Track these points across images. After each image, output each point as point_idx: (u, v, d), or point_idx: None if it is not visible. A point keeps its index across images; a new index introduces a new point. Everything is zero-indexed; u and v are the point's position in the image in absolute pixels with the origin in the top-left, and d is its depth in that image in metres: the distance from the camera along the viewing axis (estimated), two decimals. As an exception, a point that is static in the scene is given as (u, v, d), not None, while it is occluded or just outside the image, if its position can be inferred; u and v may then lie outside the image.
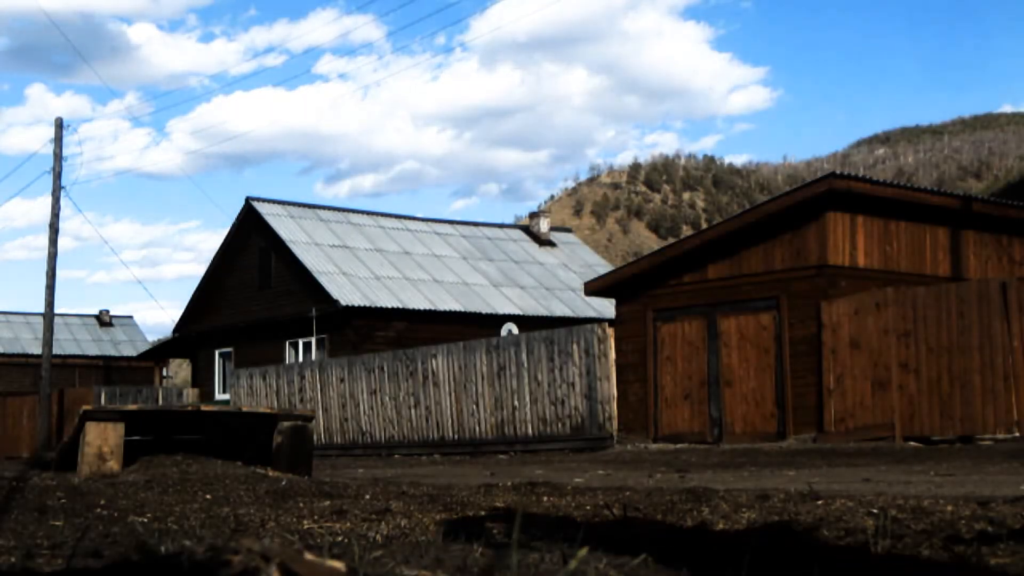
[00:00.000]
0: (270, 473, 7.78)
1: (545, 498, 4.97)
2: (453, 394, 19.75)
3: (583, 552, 2.02)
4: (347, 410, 21.89)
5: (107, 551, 2.78)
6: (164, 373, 51.59)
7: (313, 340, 29.12)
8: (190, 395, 33.42)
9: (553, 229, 39.17)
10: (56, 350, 38.24)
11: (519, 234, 38.05)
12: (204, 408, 9.31)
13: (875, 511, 3.59)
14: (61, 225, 30.39)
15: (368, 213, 34.70)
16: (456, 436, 19.62)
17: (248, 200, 31.71)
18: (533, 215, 39.92)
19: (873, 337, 15.60)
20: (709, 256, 17.95)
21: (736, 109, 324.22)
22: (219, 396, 31.87)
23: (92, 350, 51.63)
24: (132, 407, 8.65)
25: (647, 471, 10.50)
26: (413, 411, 20.51)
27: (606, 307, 28.94)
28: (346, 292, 28.72)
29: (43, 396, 30.60)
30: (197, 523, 4.12)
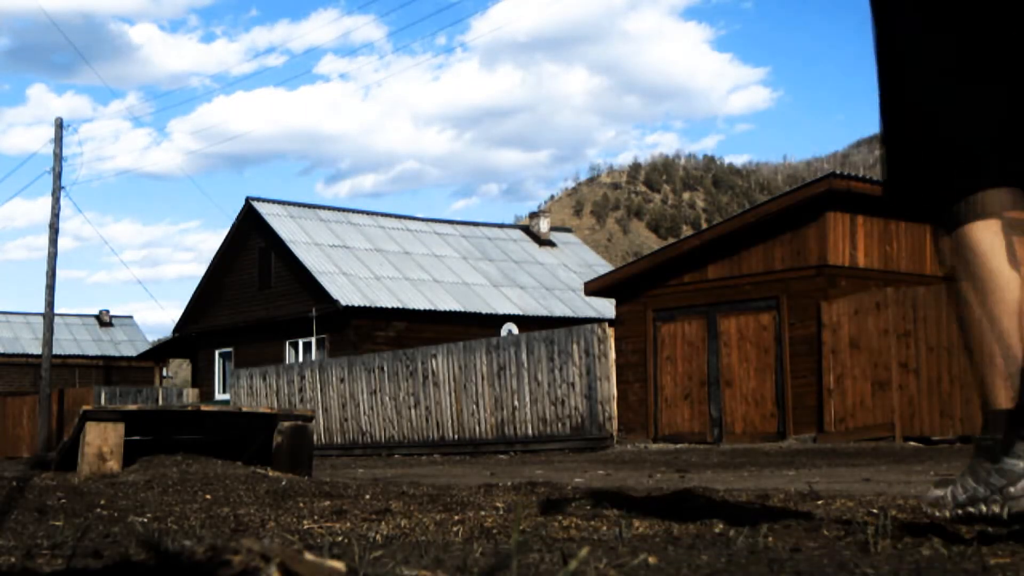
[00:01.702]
0: (270, 473, 7.78)
1: (545, 498, 4.97)
2: (453, 394, 19.75)
3: (584, 552, 2.02)
4: (347, 410, 21.89)
5: (107, 551, 2.78)
6: (164, 373, 51.60)
7: (313, 340, 29.13)
8: (190, 395, 33.43)
9: (553, 229, 39.19)
10: (56, 350, 38.26)
11: (519, 234, 38.06)
12: (204, 408, 9.30)
13: (875, 511, 3.59)
14: (61, 225, 30.41)
15: (368, 213, 34.71)
16: (456, 436, 19.62)
17: (248, 200, 31.72)
18: (533, 215, 39.93)
19: (873, 337, 15.61)
20: (709, 256, 17.96)
21: (736, 109, 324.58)
22: (219, 396, 31.89)
23: (92, 350, 51.65)
24: (132, 407, 8.64)
25: (647, 471, 10.50)
26: (413, 411, 20.51)
27: (606, 307, 28.96)
28: (346, 292, 28.73)
29: (43, 396, 30.61)
30: (197, 523, 4.12)
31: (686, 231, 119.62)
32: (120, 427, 8.10)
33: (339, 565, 1.45)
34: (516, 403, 18.61)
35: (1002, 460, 2.13)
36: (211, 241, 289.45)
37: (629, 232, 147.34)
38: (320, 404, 22.32)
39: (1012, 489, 2.08)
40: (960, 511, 2.12)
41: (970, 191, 1.95)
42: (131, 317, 56.83)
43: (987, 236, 1.96)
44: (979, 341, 2.00)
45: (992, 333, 1.97)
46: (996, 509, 2.05)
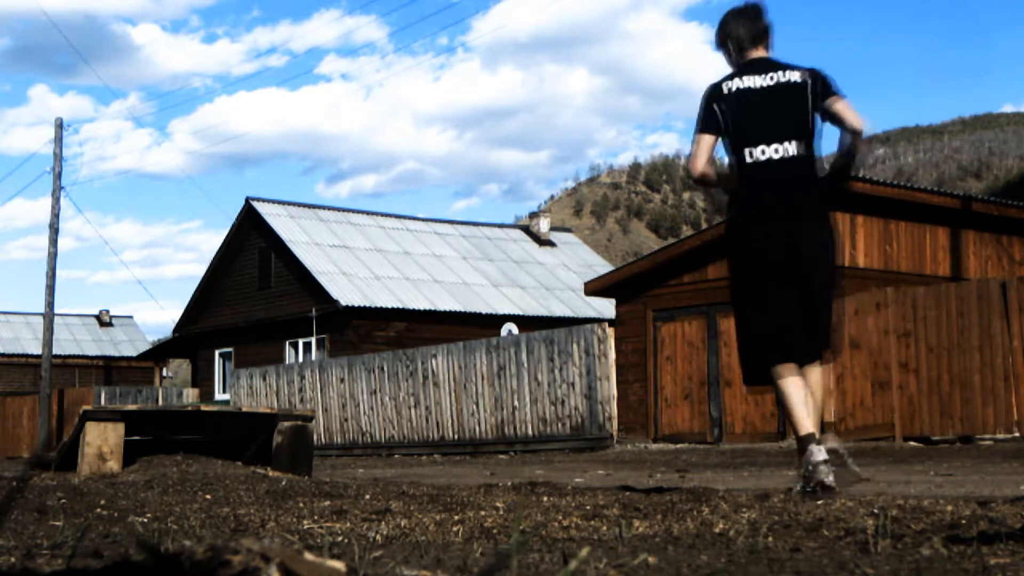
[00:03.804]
0: (270, 473, 7.78)
1: (545, 498, 4.97)
2: (453, 394, 19.75)
3: (584, 552, 2.02)
4: (347, 410, 21.89)
5: (107, 551, 2.78)
6: (164, 373, 51.58)
7: (313, 340, 29.13)
8: (190, 395, 33.43)
9: (553, 229, 39.17)
10: (56, 350, 38.25)
11: (519, 234, 38.05)
12: (204, 408, 9.31)
13: (875, 511, 3.59)
14: (62, 225, 30.43)
15: (368, 213, 34.70)
16: (456, 436, 19.62)
17: (248, 200, 31.71)
18: (533, 215, 39.91)
19: (873, 337, 15.61)
20: (709, 256, 17.95)
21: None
22: (219, 396, 31.88)
23: (92, 350, 51.63)
24: (132, 407, 8.64)
25: (647, 471, 10.50)
26: (413, 411, 20.51)
27: (606, 307, 28.95)
28: (346, 292, 28.73)
29: (43, 396, 30.60)
30: (197, 523, 4.12)
31: (686, 231, 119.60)
32: (120, 427, 8.10)
33: (339, 565, 1.45)
34: (516, 403, 18.61)
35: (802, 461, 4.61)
36: (212, 241, 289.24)
37: (629, 232, 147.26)
38: (320, 404, 22.32)
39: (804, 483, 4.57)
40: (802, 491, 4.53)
41: (778, 363, 4.77)
42: (131, 317, 56.81)
43: (787, 373, 4.78)
44: (789, 411, 4.80)
45: (793, 406, 4.79)
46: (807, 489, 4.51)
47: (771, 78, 4.78)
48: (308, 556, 1.41)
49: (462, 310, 30.25)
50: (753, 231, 4.76)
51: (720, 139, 4.84)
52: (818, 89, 4.71)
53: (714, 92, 4.85)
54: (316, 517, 4.24)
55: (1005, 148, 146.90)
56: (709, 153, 4.80)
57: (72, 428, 8.38)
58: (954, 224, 18.18)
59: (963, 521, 3.34)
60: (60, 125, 30.72)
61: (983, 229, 18.63)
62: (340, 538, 3.39)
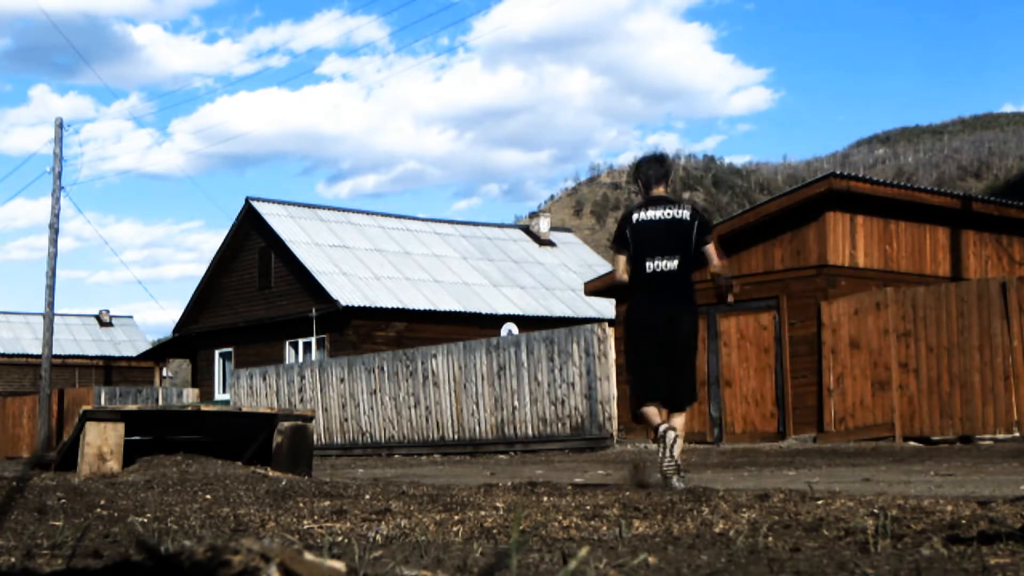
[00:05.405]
0: (270, 473, 7.78)
1: (545, 498, 4.97)
2: (453, 394, 19.74)
3: (584, 552, 2.02)
4: (347, 410, 21.89)
5: (107, 551, 2.78)
6: (164, 373, 51.57)
7: (313, 340, 29.12)
8: (190, 395, 33.42)
9: (553, 229, 39.16)
10: (56, 350, 38.25)
11: (519, 234, 38.04)
12: (204, 408, 9.31)
13: (875, 511, 3.59)
14: (63, 225, 30.42)
15: (368, 213, 34.69)
16: (456, 436, 19.62)
17: (248, 200, 31.69)
18: (533, 215, 39.90)
19: (873, 337, 15.60)
20: (709, 256, 17.94)
21: (737, 110, 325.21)
22: (219, 396, 31.87)
23: (92, 350, 51.61)
24: (132, 407, 8.64)
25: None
26: (413, 411, 20.51)
27: (606, 307, 28.95)
28: (346, 292, 28.72)
29: (43, 396, 30.60)
30: (197, 523, 4.12)
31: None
32: (120, 427, 8.10)
33: (339, 565, 1.45)
34: (516, 403, 18.61)
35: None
36: (213, 241, 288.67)
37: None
38: (320, 404, 22.31)
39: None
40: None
41: (645, 404, 6.60)
42: (131, 317, 56.80)
43: (648, 407, 6.58)
44: (647, 419, 6.58)
45: (650, 416, 6.51)
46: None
47: (667, 212, 6.60)
48: (308, 556, 1.41)
49: (462, 310, 30.25)
50: (645, 314, 6.65)
51: (629, 253, 6.69)
52: (699, 228, 6.58)
53: (627, 220, 6.70)
54: (316, 517, 4.24)
55: (1005, 148, 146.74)
56: (625, 266, 6.73)
57: (72, 428, 8.38)
58: (954, 224, 18.17)
59: (963, 521, 3.34)
60: (60, 125, 30.72)
61: (983, 229, 18.63)
62: (340, 538, 3.39)
